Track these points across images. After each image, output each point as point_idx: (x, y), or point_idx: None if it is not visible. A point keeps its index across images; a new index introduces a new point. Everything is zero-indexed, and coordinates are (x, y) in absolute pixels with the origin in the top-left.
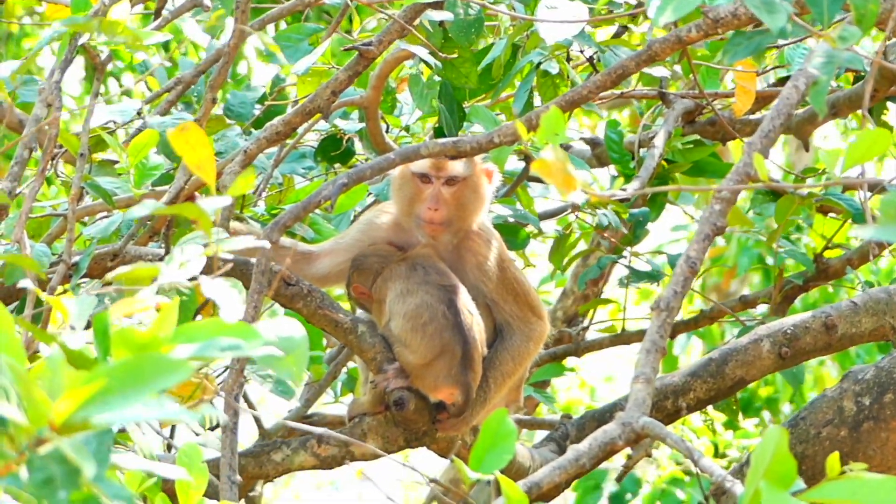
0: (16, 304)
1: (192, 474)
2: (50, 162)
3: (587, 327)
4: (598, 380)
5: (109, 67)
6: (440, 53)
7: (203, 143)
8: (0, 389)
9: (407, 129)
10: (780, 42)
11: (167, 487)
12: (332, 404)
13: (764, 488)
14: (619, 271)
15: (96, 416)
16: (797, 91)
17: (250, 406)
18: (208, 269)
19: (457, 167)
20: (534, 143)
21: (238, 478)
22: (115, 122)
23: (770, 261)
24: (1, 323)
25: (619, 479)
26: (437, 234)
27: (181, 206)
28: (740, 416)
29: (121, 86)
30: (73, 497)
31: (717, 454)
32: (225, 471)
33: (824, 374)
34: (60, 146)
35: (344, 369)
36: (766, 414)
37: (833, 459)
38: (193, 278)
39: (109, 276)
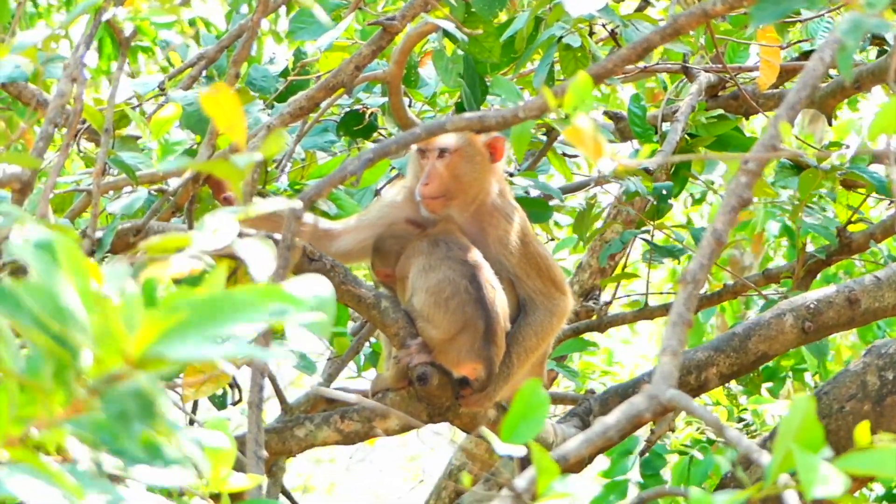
0: None
1: (219, 447)
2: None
3: (610, 302)
4: (615, 343)
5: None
6: (464, 29)
7: (234, 105)
8: (76, 324)
9: (431, 102)
10: (804, 15)
11: None
12: (354, 379)
13: (796, 452)
14: (640, 246)
15: (172, 352)
16: (822, 63)
17: (273, 382)
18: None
19: (447, 140)
20: (560, 114)
21: (264, 453)
22: (137, 97)
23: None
24: (75, 258)
25: (642, 454)
26: (436, 209)
27: (214, 163)
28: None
29: (138, 63)
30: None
31: (731, 418)
32: (251, 446)
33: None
34: (83, 121)
35: (366, 344)
36: (788, 384)
37: (862, 429)
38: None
39: (141, 245)
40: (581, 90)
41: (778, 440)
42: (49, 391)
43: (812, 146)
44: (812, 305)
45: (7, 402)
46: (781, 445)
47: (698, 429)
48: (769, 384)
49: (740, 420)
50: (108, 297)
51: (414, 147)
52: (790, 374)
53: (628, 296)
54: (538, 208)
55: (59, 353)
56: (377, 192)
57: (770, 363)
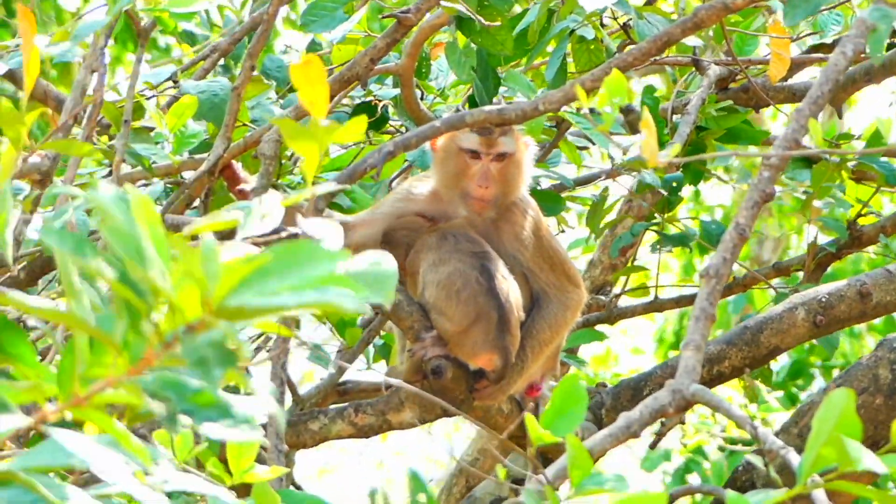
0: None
1: (243, 440)
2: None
3: (620, 294)
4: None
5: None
6: (483, 22)
7: (322, 81)
8: (157, 269)
9: (442, 94)
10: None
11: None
12: (365, 371)
13: (846, 442)
14: (649, 238)
15: (254, 300)
16: (844, 57)
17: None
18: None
19: (506, 144)
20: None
21: (286, 447)
22: (149, 86)
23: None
24: (151, 213)
25: (652, 447)
26: (484, 210)
27: (287, 122)
28: (770, 387)
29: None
30: (201, 399)
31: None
32: (273, 440)
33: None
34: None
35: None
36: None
37: None
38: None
39: (186, 230)
40: (614, 86)
41: (812, 437)
42: (120, 346)
43: (828, 140)
44: (824, 299)
45: (74, 359)
46: (815, 443)
47: (708, 432)
48: (798, 380)
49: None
50: (188, 245)
51: (454, 144)
52: (818, 370)
53: (638, 288)
54: (550, 201)
55: (135, 303)
56: (389, 185)
57: (797, 363)
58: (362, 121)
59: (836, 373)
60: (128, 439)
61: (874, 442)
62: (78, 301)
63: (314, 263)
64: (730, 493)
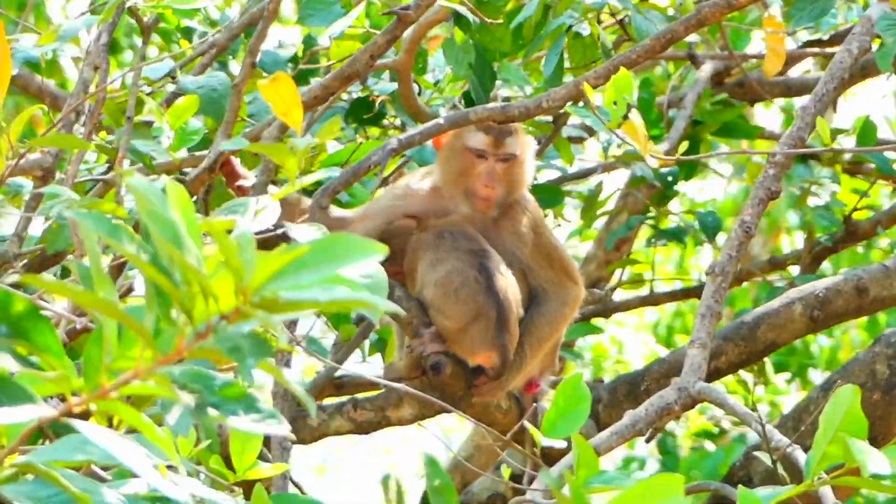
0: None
1: (246, 437)
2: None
3: (615, 288)
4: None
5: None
6: (482, 17)
7: (292, 93)
8: (193, 257)
9: (439, 89)
10: None
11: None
12: (360, 364)
13: (851, 443)
14: (645, 232)
15: (288, 293)
16: (850, 56)
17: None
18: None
19: (512, 145)
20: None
21: (289, 443)
22: (148, 83)
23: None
24: (185, 201)
25: (648, 441)
26: (488, 209)
27: (271, 146)
28: (770, 373)
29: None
30: (230, 392)
31: (746, 405)
32: (276, 436)
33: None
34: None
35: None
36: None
37: None
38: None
39: None
40: (621, 84)
41: (819, 435)
42: (151, 335)
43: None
44: (821, 294)
45: (101, 350)
46: (822, 440)
47: (711, 418)
48: (778, 376)
49: (753, 410)
50: (225, 233)
51: (460, 143)
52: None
53: (633, 281)
54: (549, 194)
55: (168, 289)
56: (385, 181)
57: (781, 358)
58: (336, 123)
59: (815, 374)
60: (153, 431)
61: (872, 437)
62: (107, 288)
63: (351, 258)
64: (740, 490)
